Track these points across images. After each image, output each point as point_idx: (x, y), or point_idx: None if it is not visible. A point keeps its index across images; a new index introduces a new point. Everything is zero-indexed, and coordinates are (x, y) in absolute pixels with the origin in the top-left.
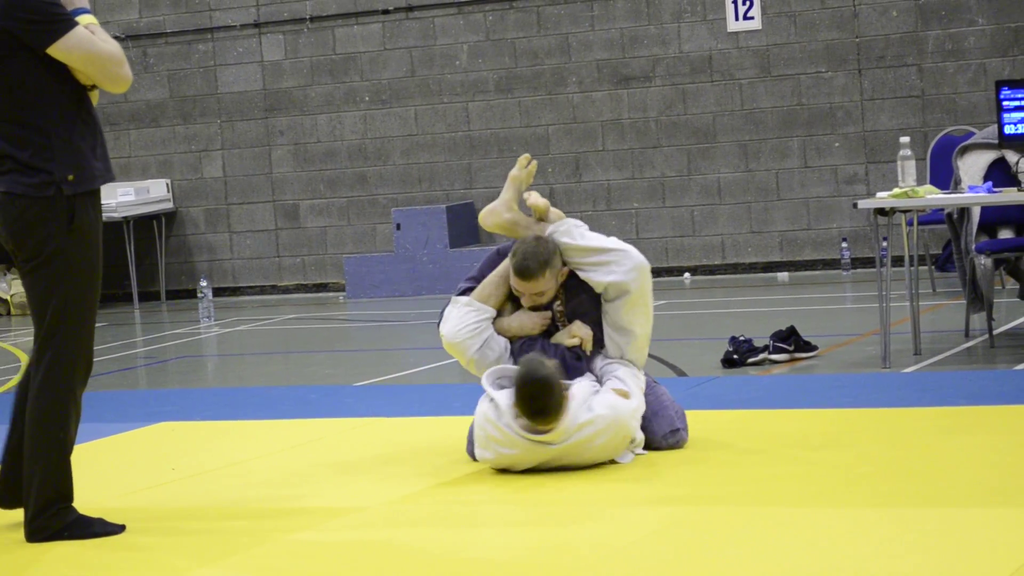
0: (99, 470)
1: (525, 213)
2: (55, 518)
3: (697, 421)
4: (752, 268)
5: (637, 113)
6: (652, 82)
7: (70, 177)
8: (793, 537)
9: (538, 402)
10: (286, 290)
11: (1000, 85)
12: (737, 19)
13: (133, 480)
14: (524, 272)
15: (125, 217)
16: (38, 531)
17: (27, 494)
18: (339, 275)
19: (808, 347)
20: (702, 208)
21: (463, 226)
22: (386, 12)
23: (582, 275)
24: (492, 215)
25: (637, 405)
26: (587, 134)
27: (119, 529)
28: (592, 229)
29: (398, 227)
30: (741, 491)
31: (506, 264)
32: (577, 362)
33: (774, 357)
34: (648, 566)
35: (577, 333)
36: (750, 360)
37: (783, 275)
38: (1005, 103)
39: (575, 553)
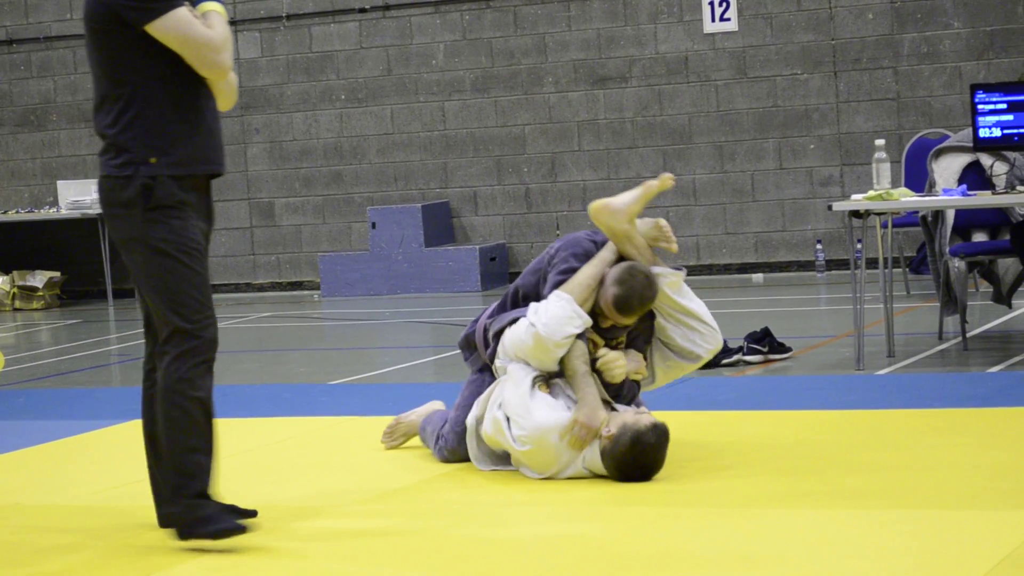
0: (72, 467)
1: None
2: (188, 511)
3: (671, 422)
4: (727, 269)
5: (613, 113)
6: (628, 83)
7: (152, 159)
8: (766, 538)
9: (646, 468)
10: (261, 288)
11: (975, 88)
12: (713, 20)
13: (107, 477)
14: (626, 309)
15: (100, 214)
16: (170, 519)
17: (162, 475)
18: (314, 273)
19: (782, 348)
20: (677, 209)
21: (438, 225)
22: (363, 11)
23: (662, 322)
24: (611, 216)
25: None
26: (563, 134)
27: (242, 529)
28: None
29: (373, 226)
30: (714, 492)
31: (603, 269)
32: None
33: (748, 358)
34: (624, 566)
35: (623, 368)
36: (724, 361)
37: (758, 276)
38: (980, 106)
39: (549, 550)
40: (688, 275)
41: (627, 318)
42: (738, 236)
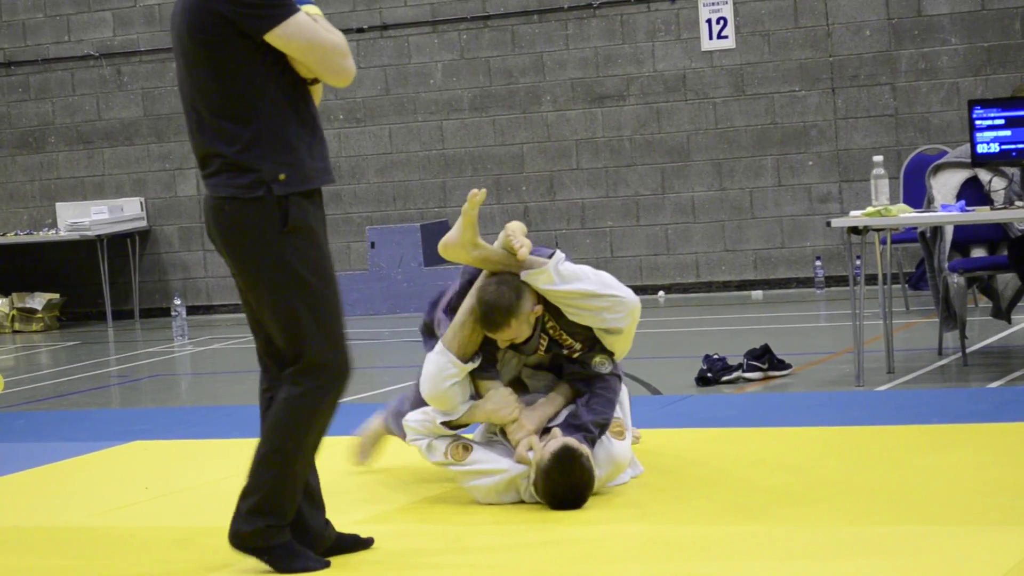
0: (72, 489)
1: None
2: (261, 535)
3: (671, 439)
4: (726, 286)
5: (611, 131)
6: (626, 101)
7: (281, 176)
8: (767, 555)
9: (569, 494)
10: None
11: (973, 104)
12: (711, 38)
13: (106, 499)
14: (489, 324)
15: (99, 235)
16: (239, 537)
17: (240, 498)
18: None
19: (782, 365)
20: (676, 226)
21: (437, 245)
22: (360, 30)
23: (571, 316)
24: (454, 252)
25: (629, 439)
26: (561, 152)
27: (324, 564)
28: (565, 249)
29: (372, 245)
30: (715, 509)
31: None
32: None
33: (748, 375)
34: None
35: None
36: (724, 378)
37: (757, 293)
38: (978, 122)
39: (548, 570)
40: (687, 292)
41: (504, 332)
42: (737, 253)
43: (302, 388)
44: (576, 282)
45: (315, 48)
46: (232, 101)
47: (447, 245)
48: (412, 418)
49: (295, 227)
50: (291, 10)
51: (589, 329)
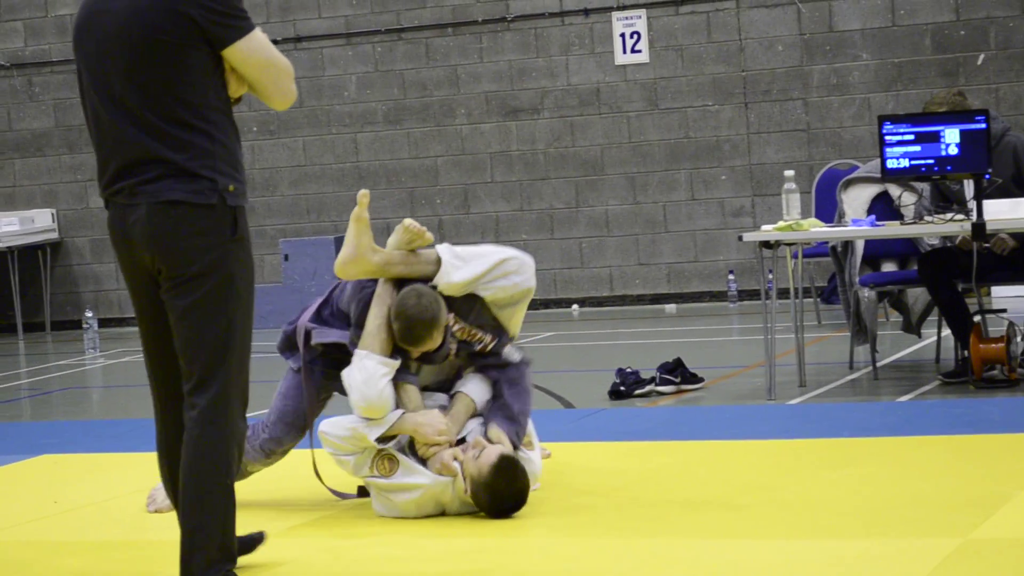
0: None
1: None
2: None
3: (584, 453)
4: (640, 300)
5: (525, 145)
6: (540, 114)
7: (231, 188)
8: (673, 569)
9: (514, 500)
10: None
11: (883, 120)
12: (625, 52)
13: (15, 513)
14: (413, 339)
15: (9, 247)
16: None
17: (186, 553)
18: None
19: (694, 379)
20: (590, 240)
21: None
22: (275, 42)
23: (488, 295)
24: (357, 263)
25: (537, 449)
26: (476, 166)
27: None
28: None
29: (286, 258)
30: (625, 522)
31: (384, 306)
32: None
33: (661, 389)
34: None
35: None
36: (637, 392)
37: (670, 307)
38: (888, 138)
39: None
40: (601, 306)
41: (424, 344)
42: (651, 267)
43: (225, 415)
44: (478, 259)
45: (271, 67)
46: (186, 108)
47: (346, 261)
48: (333, 433)
49: (242, 236)
50: (252, 25)
51: (494, 318)
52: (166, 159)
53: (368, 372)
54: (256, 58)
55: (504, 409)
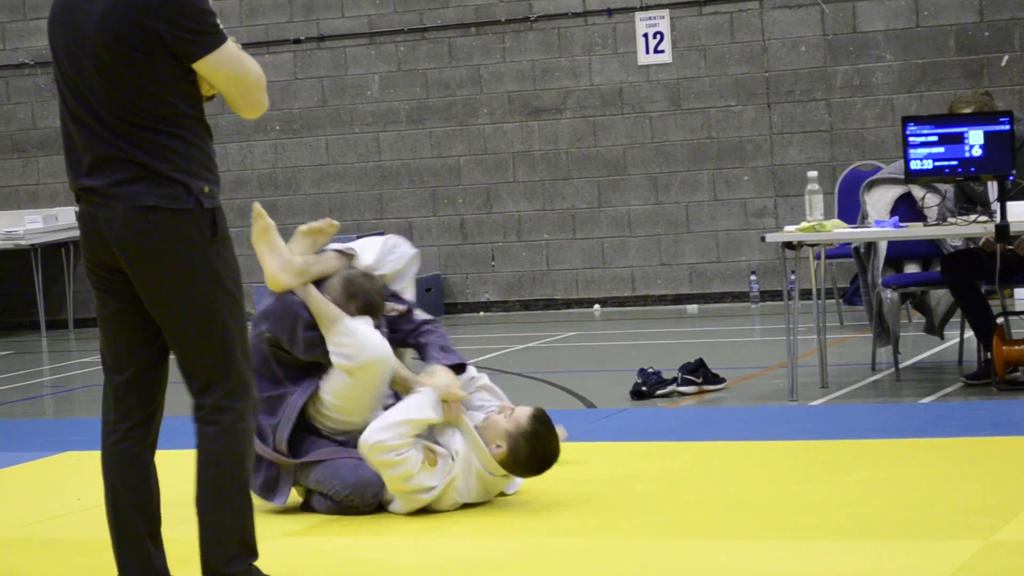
0: (2, 500)
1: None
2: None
3: (605, 453)
4: (661, 300)
5: (548, 145)
6: (563, 114)
7: (206, 190)
8: (694, 570)
9: (553, 450)
10: None
11: (906, 121)
12: (648, 52)
13: (38, 510)
14: (375, 309)
15: (33, 244)
16: None
17: (206, 550)
18: (249, 304)
19: (716, 379)
20: (612, 240)
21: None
22: (297, 41)
23: (387, 271)
24: (286, 270)
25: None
26: (498, 165)
27: None
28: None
29: None
30: (646, 523)
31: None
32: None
33: (682, 389)
34: None
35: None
36: (658, 392)
37: (692, 307)
38: (911, 139)
39: None
40: (623, 306)
41: (381, 311)
42: (672, 267)
43: (237, 411)
44: (368, 245)
45: (240, 80)
46: (156, 114)
47: (277, 271)
48: (387, 435)
49: (223, 236)
50: (223, 38)
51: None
52: (138, 161)
53: (362, 328)
54: (224, 71)
55: (436, 346)
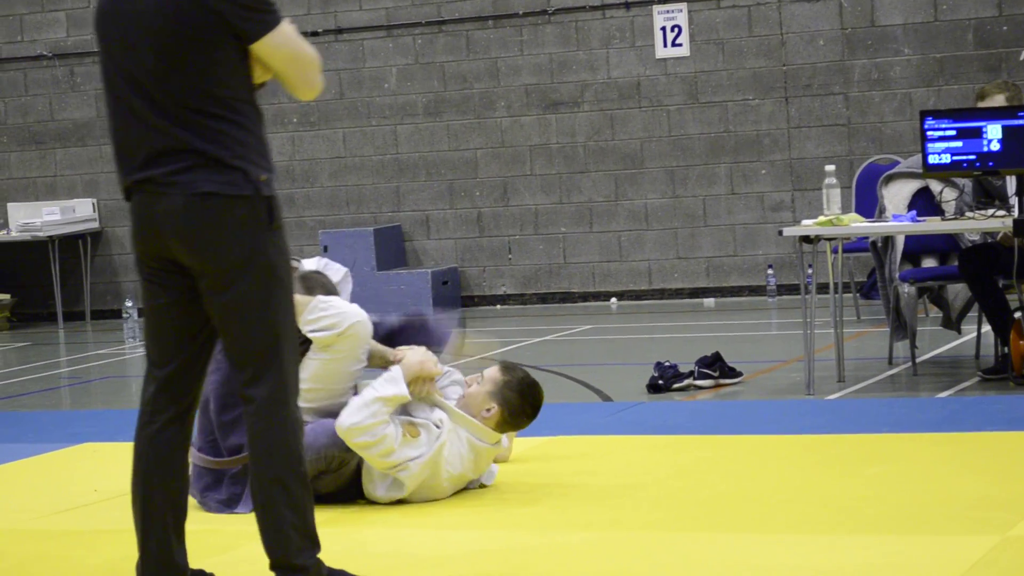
0: (20, 490)
1: None
2: (314, 570)
3: (622, 446)
4: (678, 294)
5: (565, 138)
6: (580, 107)
7: (263, 177)
8: (711, 563)
9: (538, 399)
10: None
11: (924, 115)
12: (665, 46)
13: (55, 501)
14: (338, 295)
15: (50, 236)
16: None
17: (271, 544)
18: None
19: (733, 373)
20: (629, 233)
21: (390, 249)
22: (315, 34)
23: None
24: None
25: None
26: (515, 158)
27: None
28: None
29: (325, 249)
30: (662, 516)
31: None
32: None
33: (699, 383)
34: None
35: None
36: (675, 386)
37: (709, 301)
38: (929, 133)
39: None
40: (640, 299)
41: None
42: (690, 261)
43: (288, 403)
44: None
45: (298, 60)
46: (216, 100)
47: None
48: (361, 416)
49: (278, 225)
50: (280, 18)
51: None
52: (197, 149)
53: (336, 299)
54: (283, 51)
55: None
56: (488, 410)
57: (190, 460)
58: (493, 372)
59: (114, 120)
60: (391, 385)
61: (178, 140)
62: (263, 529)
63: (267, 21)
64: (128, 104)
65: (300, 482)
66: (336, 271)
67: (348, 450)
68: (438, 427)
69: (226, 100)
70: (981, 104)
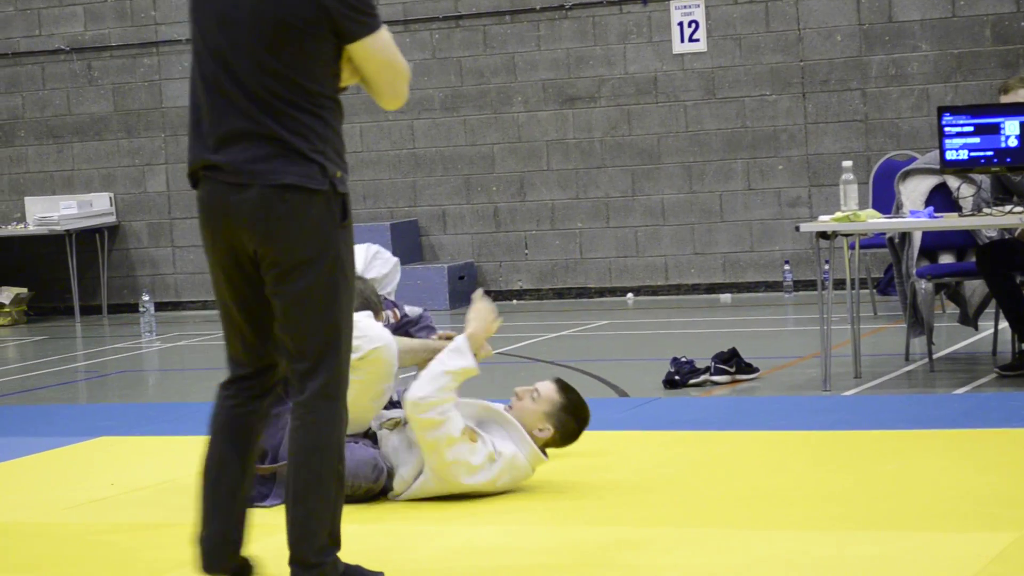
0: (37, 484)
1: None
2: (330, 568)
3: (638, 441)
4: (695, 289)
5: (582, 133)
6: (597, 102)
7: (338, 174)
8: (726, 559)
9: (588, 422)
10: None
11: (942, 111)
12: (683, 41)
13: (71, 495)
14: (376, 307)
15: (67, 230)
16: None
17: (297, 539)
18: None
19: (749, 369)
20: (646, 229)
21: (407, 243)
22: None
23: (373, 275)
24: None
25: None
26: (532, 153)
27: None
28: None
29: None
30: (677, 512)
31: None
32: None
33: (715, 379)
34: None
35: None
36: (691, 381)
37: (726, 297)
38: (947, 129)
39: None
40: (656, 295)
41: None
42: (706, 256)
43: (337, 400)
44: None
45: (391, 67)
46: (306, 92)
47: None
48: (428, 391)
49: (350, 223)
50: (380, 22)
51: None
52: (279, 137)
53: (363, 321)
54: (378, 57)
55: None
56: (542, 430)
57: None
58: (550, 392)
59: (195, 98)
60: (458, 357)
61: (260, 124)
62: (291, 521)
63: (369, 24)
64: (215, 82)
65: (338, 480)
66: (385, 261)
67: (376, 480)
68: (495, 458)
69: (313, 94)
70: (1004, 98)
